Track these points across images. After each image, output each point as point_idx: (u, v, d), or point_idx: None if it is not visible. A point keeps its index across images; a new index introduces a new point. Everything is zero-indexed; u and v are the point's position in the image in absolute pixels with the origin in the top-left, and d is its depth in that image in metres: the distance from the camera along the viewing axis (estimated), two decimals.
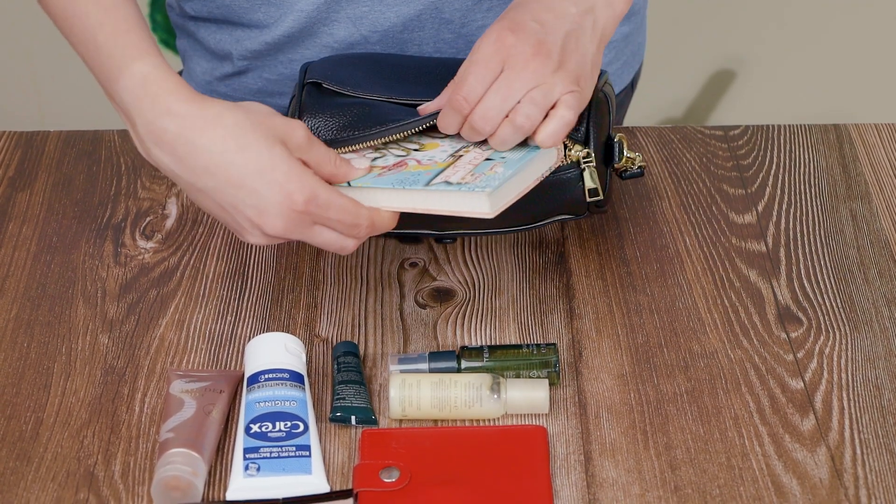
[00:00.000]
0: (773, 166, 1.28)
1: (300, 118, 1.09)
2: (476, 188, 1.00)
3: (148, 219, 1.22)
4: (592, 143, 1.08)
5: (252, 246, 1.19)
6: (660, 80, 2.15)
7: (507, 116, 1.01)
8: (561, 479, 0.99)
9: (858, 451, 1.01)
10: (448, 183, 1.01)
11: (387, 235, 1.14)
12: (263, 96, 1.29)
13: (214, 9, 1.25)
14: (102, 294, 1.14)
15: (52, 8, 1.07)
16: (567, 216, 1.12)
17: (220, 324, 1.11)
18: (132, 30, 1.03)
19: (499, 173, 1.01)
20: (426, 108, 1.08)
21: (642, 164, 1.13)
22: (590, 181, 1.08)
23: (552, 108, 1.02)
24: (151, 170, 1.27)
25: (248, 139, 0.99)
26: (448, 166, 1.03)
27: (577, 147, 1.07)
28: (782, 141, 1.31)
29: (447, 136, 1.07)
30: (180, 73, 1.37)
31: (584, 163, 1.08)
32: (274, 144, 0.99)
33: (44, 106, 2.50)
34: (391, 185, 1.02)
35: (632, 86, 1.42)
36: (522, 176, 1.03)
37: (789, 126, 1.33)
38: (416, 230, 1.13)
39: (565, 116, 1.02)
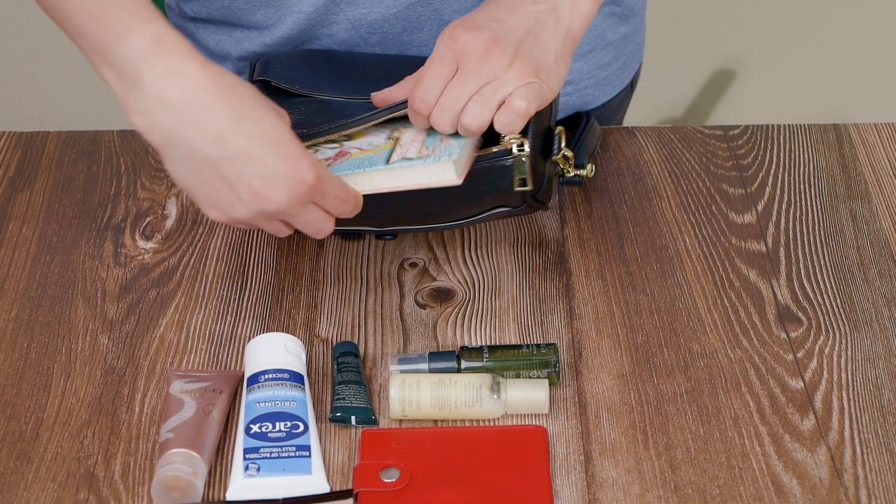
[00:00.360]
0: (773, 166, 1.28)
1: None
2: (441, 158, 1.03)
3: (148, 219, 1.22)
4: (530, 133, 1.07)
5: (252, 247, 1.19)
6: (659, 80, 2.15)
7: None
8: (561, 479, 0.99)
9: (858, 451, 1.01)
10: (408, 159, 1.04)
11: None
12: None
13: (214, 10, 1.25)
14: (102, 294, 1.14)
15: None
16: (505, 208, 1.11)
17: (220, 324, 1.11)
18: None
19: (451, 144, 1.05)
20: (378, 96, 1.09)
21: (583, 175, 1.12)
22: (519, 171, 1.08)
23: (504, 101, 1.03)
24: (151, 170, 1.27)
25: (262, 111, 0.98)
26: (392, 147, 1.06)
27: (513, 135, 1.07)
28: (782, 141, 1.31)
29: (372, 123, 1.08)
30: None
31: (517, 150, 1.07)
32: (283, 122, 0.99)
33: (44, 106, 2.50)
34: (351, 169, 1.04)
35: (631, 86, 1.42)
36: (469, 143, 1.06)
37: (789, 126, 1.33)
38: (357, 227, 1.12)
39: (517, 107, 1.03)
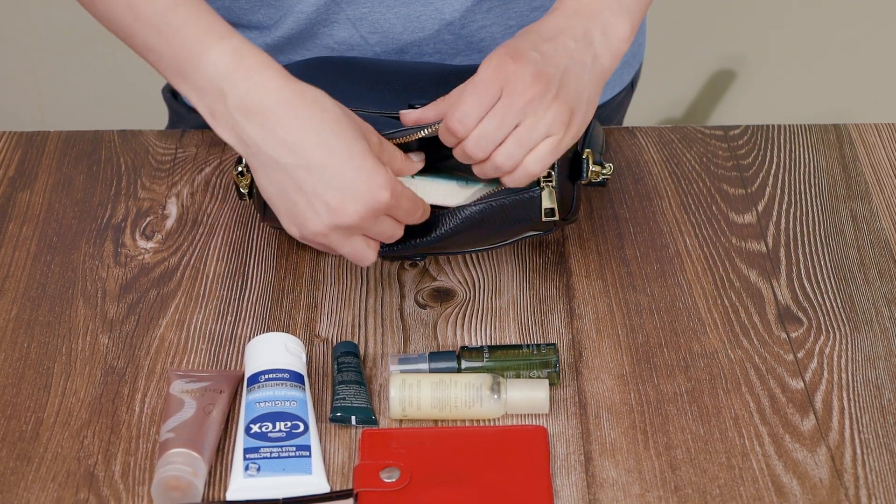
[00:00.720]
0: (774, 166, 1.28)
1: None
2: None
3: (148, 219, 1.22)
4: (556, 164, 1.08)
5: (252, 246, 1.19)
6: (660, 79, 2.15)
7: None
8: (561, 479, 0.99)
9: (858, 451, 1.01)
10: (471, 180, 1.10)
11: None
12: None
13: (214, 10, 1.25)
14: (102, 294, 1.14)
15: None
16: (537, 232, 1.12)
17: (220, 324, 1.11)
18: (209, 10, 1.03)
19: None
20: (410, 115, 1.07)
21: (607, 177, 1.13)
22: (547, 201, 1.08)
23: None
24: (152, 170, 1.27)
25: (342, 125, 1.00)
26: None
27: None
28: (782, 141, 1.31)
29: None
30: None
31: (544, 182, 1.08)
32: (360, 137, 1.00)
33: (44, 106, 2.50)
34: (432, 179, 1.10)
35: (631, 86, 1.42)
36: None
37: (789, 126, 1.33)
38: (394, 254, 1.12)
39: (531, 169, 1.04)
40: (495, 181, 1.08)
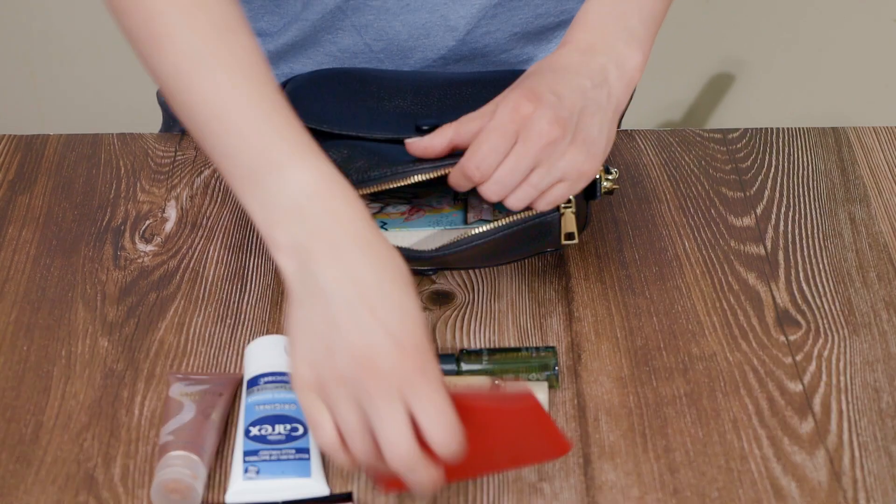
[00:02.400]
0: (772, 169, 1.28)
1: None
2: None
3: (147, 222, 1.22)
4: None
5: (252, 249, 1.19)
6: (658, 83, 2.16)
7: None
8: (560, 481, 0.99)
9: (857, 454, 1.01)
10: (485, 220, 1.13)
11: None
12: None
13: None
14: (102, 297, 1.14)
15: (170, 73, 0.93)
16: (551, 249, 1.13)
17: (220, 327, 1.11)
18: (292, 122, 0.90)
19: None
20: (417, 145, 1.06)
21: (615, 186, 1.13)
22: (567, 226, 1.09)
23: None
24: (151, 173, 1.27)
25: (408, 292, 0.89)
26: (464, 208, 1.15)
27: None
28: (781, 144, 1.31)
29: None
30: None
31: (564, 208, 1.08)
32: (419, 311, 0.89)
33: (43, 109, 2.51)
34: (431, 227, 1.13)
35: None
36: None
37: (788, 129, 1.33)
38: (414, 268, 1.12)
39: (540, 208, 1.05)
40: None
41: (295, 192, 0.89)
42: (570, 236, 1.09)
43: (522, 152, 1.02)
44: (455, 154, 1.06)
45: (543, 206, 1.05)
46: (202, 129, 0.93)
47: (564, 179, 1.04)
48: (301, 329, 0.89)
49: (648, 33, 1.08)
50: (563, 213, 1.09)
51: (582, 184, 1.05)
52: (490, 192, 1.03)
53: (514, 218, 1.08)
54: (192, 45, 0.92)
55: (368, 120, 1.12)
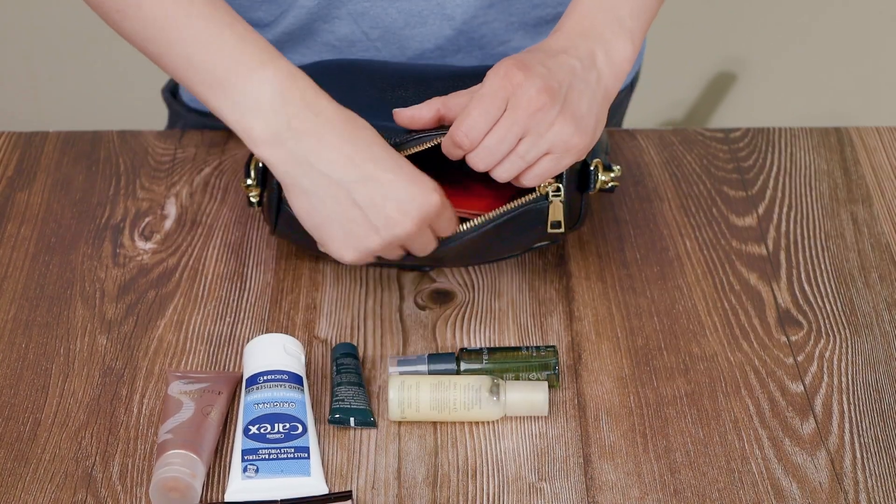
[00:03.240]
0: (774, 169, 1.28)
1: None
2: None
3: (147, 219, 1.21)
4: (564, 175, 1.08)
5: (252, 247, 1.18)
6: (660, 82, 2.15)
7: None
8: (560, 481, 0.99)
9: (858, 455, 1.00)
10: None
11: (370, 264, 1.14)
12: None
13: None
14: (101, 295, 1.14)
15: (143, 10, 1.04)
16: (546, 242, 1.13)
17: (219, 325, 1.11)
18: (259, 36, 1.03)
19: None
20: (403, 113, 1.07)
21: (616, 184, 1.13)
22: (554, 214, 1.09)
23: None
24: (150, 170, 1.27)
25: (385, 144, 1.03)
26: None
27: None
28: (783, 143, 1.31)
29: None
30: None
31: (552, 196, 1.08)
32: (396, 152, 1.03)
33: (43, 106, 2.50)
34: None
35: (631, 86, 1.42)
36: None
37: (790, 129, 1.33)
38: (412, 263, 1.12)
39: (527, 183, 1.05)
40: None
41: (267, 89, 1.00)
42: (556, 224, 1.09)
43: (511, 119, 1.02)
44: (446, 126, 1.06)
45: (530, 179, 1.05)
46: (167, 50, 1.03)
47: (552, 152, 1.04)
48: (321, 220, 1.03)
49: (638, 25, 1.09)
50: (551, 202, 1.08)
51: (569, 159, 1.05)
52: (478, 159, 1.03)
53: (505, 208, 1.08)
54: None
55: (370, 111, 1.11)
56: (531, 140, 1.02)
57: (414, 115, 1.06)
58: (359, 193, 1.01)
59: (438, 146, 1.06)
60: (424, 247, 1.05)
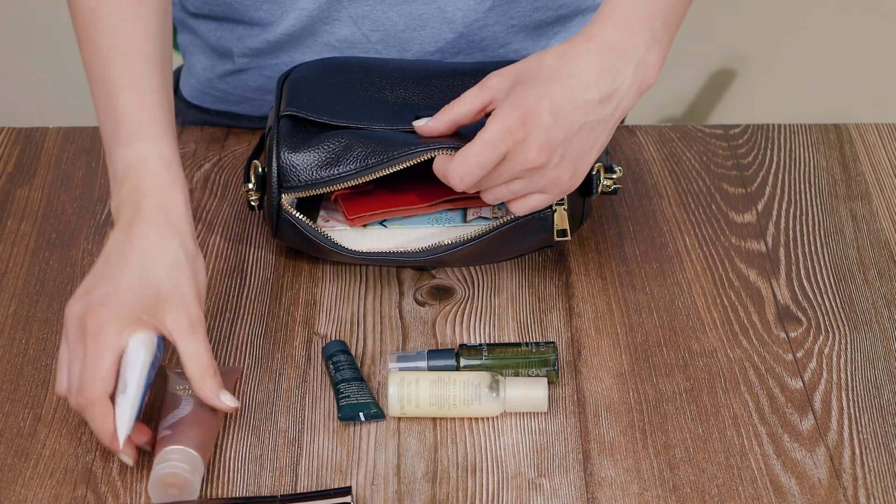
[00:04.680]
0: (774, 165, 1.28)
1: (278, 151, 1.09)
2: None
3: None
4: None
5: (251, 243, 1.18)
6: (660, 78, 2.15)
7: None
8: (559, 477, 0.99)
9: (857, 452, 1.00)
10: (484, 218, 1.13)
11: (365, 262, 1.14)
12: (263, 93, 1.29)
13: (216, 6, 1.25)
14: None
15: (85, 43, 1.09)
16: (546, 246, 1.14)
17: (219, 321, 1.11)
18: (152, 105, 1.04)
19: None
20: (423, 129, 1.08)
21: (618, 185, 1.13)
22: (559, 222, 1.09)
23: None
24: None
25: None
26: (460, 207, 1.14)
27: None
28: (782, 140, 1.31)
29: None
30: (179, 68, 1.37)
31: (557, 205, 1.08)
32: (135, 328, 0.99)
33: (43, 102, 2.50)
34: (431, 224, 1.12)
35: None
36: None
37: (790, 125, 1.33)
38: (398, 259, 1.12)
39: (516, 211, 1.06)
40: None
41: (119, 168, 1.03)
42: (562, 233, 1.09)
43: (506, 167, 1.02)
44: (455, 134, 1.07)
45: (519, 209, 1.06)
46: (94, 88, 1.08)
47: (545, 192, 1.04)
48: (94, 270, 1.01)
49: (669, 36, 1.05)
50: (555, 210, 1.09)
51: (560, 196, 1.06)
52: (464, 185, 1.03)
53: (512, 215, 1.08)
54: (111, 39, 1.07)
55: (369, 111, 1.12)
56: (524, 183, 1.04)
57: (433, 130, 1.07)
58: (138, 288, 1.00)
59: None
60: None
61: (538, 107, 1.01)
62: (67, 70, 2.45)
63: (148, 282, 0.98)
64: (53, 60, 2.45)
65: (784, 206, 1.23)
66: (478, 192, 1.06)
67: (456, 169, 1.02)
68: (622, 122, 1.45)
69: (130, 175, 1.02)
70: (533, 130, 1.01)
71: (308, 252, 1.14)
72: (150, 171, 1.02)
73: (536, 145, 1.01)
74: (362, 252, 1.10)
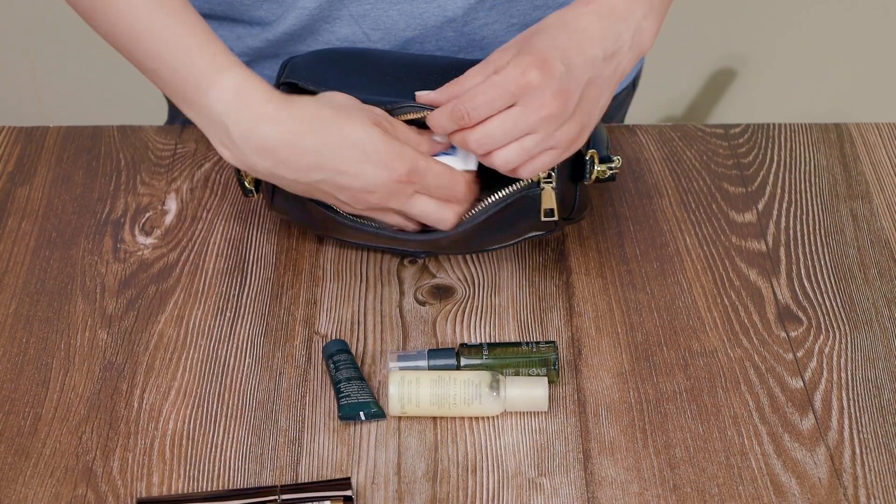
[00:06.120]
0: (774, 165, 1.28)
1: None
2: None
3: (147, 214, 1.21)
4: (556, 165, 1.08)
5: (252, 242, 1.18)
6: (661, 78, 2.15)
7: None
8: (559, 477, 0.99)
9: (858, 451, 1.01)
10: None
11: (357, 246, 1.15)
12: None
13: (216, 5, 1.25)
14: (101, 290, 1.14)
15: (110, 26, 1.08)
16: (540, 232, 1.12)
17: (219, 320, 1.11)
18: (211, 41, 1.05)
19: None
20: (424, 98, 1.08)
21: (616, 171, 1.13)
22: (546, 201, 1.08)
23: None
24: (151, 165, 1.27)
25: (345, 131, 1.03)
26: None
27: None
28: (783, 139, 1.31)
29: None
30: None
31: (544, 182, 1.08)
32: (367, 126, 1.03)
33: (43, 101, 2.50)
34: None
35: (633, 85, 1.42)
36: None
37: (790, 125, 1.33)
38: (399, 247, 1.12)
39: (524, 175, 1.06)
40: None
41: (218, 110, 1.03)
42: (549, 213, 1.09)
43: (520, 116, 1.01)
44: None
45: (528, 172, 1.05)
46: (141, 63, 1.07)
47: (554, 148, 1.04)
48: (304, 192, 1.07)
49: (664, 7, 1.09)
50: (542, 188, 1.08)
51: (569, 154, 1.05)
52: (477, 143, 1.02)
53: (497, 197, 1.07)
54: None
55: (370, 90, 1.11)
56: (538, 138, 1.02)
57: (434, 101, 1.07)
58: (325, 186, 1.04)
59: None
60: (430, 216, 1.06)
61: (550, 54, 1.02)
62: (67, 70, 2.45)
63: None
64: (53, 60, 2.45)
65: (784, 205, 1.23)
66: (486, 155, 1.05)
67: (463, 101, 1.02)
68: (622, 121, 1.46)
69: (247, 102, 1.03)
70: (546, 75, 1.01)
71: (303, 223, 1.13)
72: (255, 96, 1.03)
73: (551, 90, 1.01)
74: (354, 216, 1.10)
